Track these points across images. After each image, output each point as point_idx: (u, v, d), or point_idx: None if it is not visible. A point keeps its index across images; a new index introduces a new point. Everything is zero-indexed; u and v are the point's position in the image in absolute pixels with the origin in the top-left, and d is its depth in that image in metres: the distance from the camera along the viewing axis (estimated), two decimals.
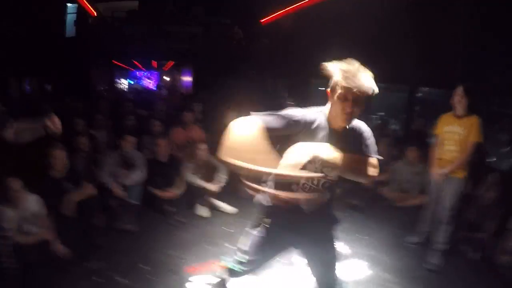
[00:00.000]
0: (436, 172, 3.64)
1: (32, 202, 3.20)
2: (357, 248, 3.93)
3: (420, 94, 9.87)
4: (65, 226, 3.44)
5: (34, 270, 2.99)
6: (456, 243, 3.98)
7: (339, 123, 1.82)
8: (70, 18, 12.59)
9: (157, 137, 4.93)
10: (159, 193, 4.39)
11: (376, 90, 1.73)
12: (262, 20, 12.07)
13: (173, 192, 4.45)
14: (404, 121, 8.55)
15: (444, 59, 5.87)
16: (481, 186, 4.29)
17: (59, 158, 3.60)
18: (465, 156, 3.46)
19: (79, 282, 3.06)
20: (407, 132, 7.62)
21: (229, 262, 2.28)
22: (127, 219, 4.06)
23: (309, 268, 2.17)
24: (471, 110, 3.47)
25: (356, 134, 1.94)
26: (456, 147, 3.51)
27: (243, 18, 12.50)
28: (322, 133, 1.81)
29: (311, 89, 10.53)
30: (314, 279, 2.16)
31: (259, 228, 2.10)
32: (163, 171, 4.55)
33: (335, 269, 2.13)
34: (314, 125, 1.81)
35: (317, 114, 1.85)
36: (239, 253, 2.19)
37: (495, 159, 7.33)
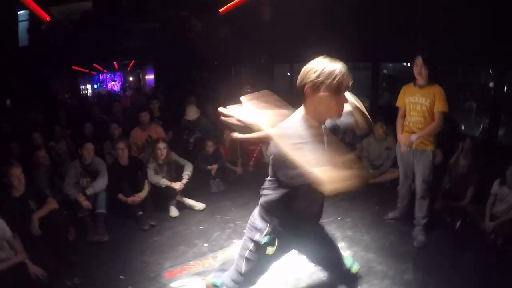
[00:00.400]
0: (402, 140, 3.59)
1: None
2: (332, 229, 3.83)
3: (385, 71, 10.03)
4: (35, 246, 3.29)
5: None
6: (438, 213, 4.04)
7: (325, 118, 1.79)
8: (22, 26, 11.98)
9: (117, 140, 4.77)
10: (124, 198, 4.23)
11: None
12: (220, 10, 11.85)
13: (139, 196, 4.31)
14: (370, 98, 8.63)
15: (405, 33, 5.89)
16: (454, 155, 4.36)
17: (15, 175, 3.37)
18: (433, 126, 3.40)
19: None
20: (374, 109, 7.69)
21: (216, 280, 2.24)
22: (97, 230, 3.91)
23: (317, 262, 2.29)
24: (432, 79, 3.40)
25: (333, 128, 1.94)
26: (421, 117, 3.45)
27: (200, 9, 12.22)
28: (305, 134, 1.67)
29: (275, 75, 10.50)
30: (325, 269, 2.31)
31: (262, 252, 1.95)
32: (126, 175, 4.41)
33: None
34: (300, 132, 1.65)
35: (297, 122, 1.72)
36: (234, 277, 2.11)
37: (464, 128, 7.59)
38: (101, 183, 4.18)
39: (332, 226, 3.95)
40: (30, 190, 3.55)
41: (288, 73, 10.44)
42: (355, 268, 2.36)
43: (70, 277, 3.21)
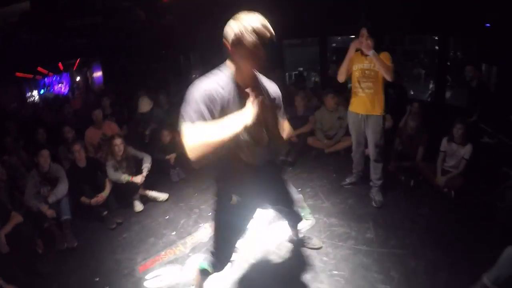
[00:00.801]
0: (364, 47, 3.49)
1: None
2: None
3: (334, 44, 10.28)
4: (4, 263, 3.25)
5: None
6: (391, 173, 4.31)
7: (250, 77, 1.84)
8: None
9: (72, 143, 4.67)
10: (88, 201, 4.20)
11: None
12: None
13: (102, 196, 4.28)
14: (320, 71, 8.89)
15: (350, 7, 6.06)
16: (403, 118, 4.66)
17: None
18: (388, 66, 3.40)
19: None
20: (324, 81, 7.92)
21: (203, 264, 2.29)
22: (65, 238, 3.86)
23: (275, 207, 2.61)
24: (378, 48, 3.46)
25: (265, 87, 1.98)
26: (370, 82, 3.56)
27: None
28: (234, 94, 1.79)
29: (225, 58, 10.50)
30: (282, 212, 2.68)
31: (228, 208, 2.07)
32: (86, 177, 4.37)
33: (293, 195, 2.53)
34: (216, 89, 1.75)
35: (220, 78, 1.79)
36: (212, 254, 2.23)
37: (413, 93, 8.00)
38: (62, 189, 4.11)
39: None
40: None
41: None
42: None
43: None
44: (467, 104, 5.11)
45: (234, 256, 2.37)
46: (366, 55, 3.49)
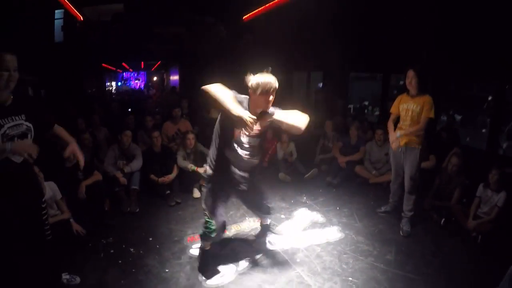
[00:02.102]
0: (391, 138, 4.06)
1: (49, 188, 3.67)
2: (330, 217, 4.47)
3: (401, 82, 10.47)
4: (79, 209, 4.02)
5: (57, 246, 3.33)
6: (426, 210, 4.51)
7: (259, 109, 2.72)
8: (57, 23, 12.89)
9: (151, 131, 5.51)
10: (156, 179, 4.97)
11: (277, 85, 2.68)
12: (244, 17, 12.43)
13: (169, 177, 5.04)
14: (380, 105, 9.10)
15: (415, 46, 6.31)
16: (446, 159, 4.81)
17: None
18: (418, 128, 3.86)
19: (98, 254, 3.58)
20: (384, 116, 8.16)
21: (200, 231, 3.17)
22: (130, 203, 4.64)
23: (245, 204, 3.49)
24: (422, 90, 3.88)
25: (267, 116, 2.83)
26: (410, 122, 3.93)
27: (225, 16, 12.81)
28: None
29: (293, 82, 11.07)
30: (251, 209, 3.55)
31: (209, 185, 3.04)
32: (159, 160, 5.15)
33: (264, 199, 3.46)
34: (243, 105, 2.68)
35: (245, 99, 2.75)
36: (205, 215, 3.07)
37: (468, 139, 7.96)
38: (137, 164, 4.95)
39: (330, 214, 4.56)
40: (78, 164, 4.28)
41: (306, 82, 10.97)
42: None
43: (105, 237, 3.89)
44: None
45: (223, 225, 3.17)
46: (412, 96, 3.90)
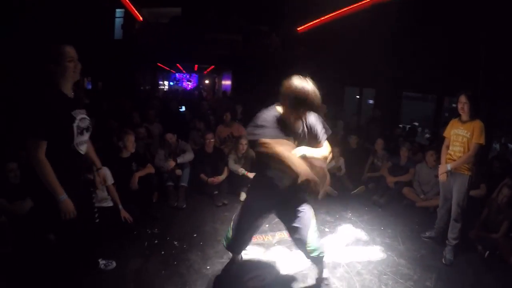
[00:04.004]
0: (441, 169, 4.01)
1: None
2: (373, 236, 4.41)
3: (454, 105, 10.11)
4: (129, 198, 4.23)
5: (103, 229, 3.51)
6: (471, 240, 4.31)
7: (294, 119, 2.51)
8: (118, 22, 13.69)
9: (205, 132, 5.73)
10: (206, 179, 5.16)
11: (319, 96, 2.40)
12: (299, 28, 12.52)
13: (218, 178, 5.23)
14: (432, 128, 8.88)
15: (470, 67, 6.16)
16: (496, 189, 4.62)
17: (130, 141, 4.43)
18: (468, 155, 3.78)
19: (142, 242, 3.78)
20: (433, 139, 7.97)
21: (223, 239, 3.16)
22: (178, 198, 4.85)
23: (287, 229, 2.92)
24: (474, 115, 3.81)
25: (308, 124, 2.62)
26: (461, 147, 3.85)
27: (281, 26, 12.97)
28: (281, 126, 2.50)
29: (345, 95, 11.00)
30: (293, 238, 2.88)
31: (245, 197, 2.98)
32: (210, 161, 5.34)
33: (308, 231, 2.79)
34: (277, 123, 2.51)
35: (275, 114, 2.54)
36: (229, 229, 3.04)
37: None
38: (189, 156, 5.18)
39: (374, 233, 4.50)
40: (134, 154, 4.57)
41: (358, 96, 10.85)
42: (315, 253, 2.85)
43: (151, 227, 4.09)
44: None
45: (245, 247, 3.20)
46: (463, 121, 3.84)
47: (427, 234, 4.49)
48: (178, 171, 5.01)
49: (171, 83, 27.44)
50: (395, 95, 9.04)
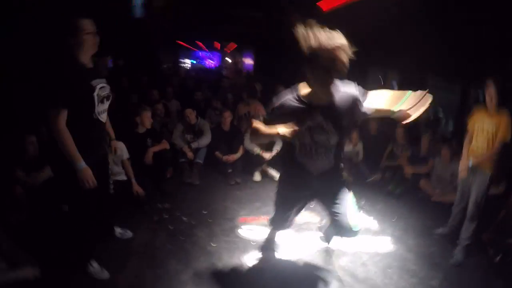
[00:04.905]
0: (462, 164, 3.78)
1: (117, 147, 3.85)
2: (384, 227, 4.32)
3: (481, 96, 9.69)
4: (143, 173, 4.29)
5: (115, 201, 3.63)
6: (483, 242, 4.09)
7: (324, 93, 2.06)
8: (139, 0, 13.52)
9: (222, 110, 5.72)
10: (221, 156, 5.18)
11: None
12: (322, 6, 12.15)
13: (233, 156, 5.21)
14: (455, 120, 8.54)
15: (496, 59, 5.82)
16: None
17: (146, 116, 4.47)
18: (493, 152, 3.51)
19: (152, 216, 3.84)
20: (456, 130, 7.66)
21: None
22: (192, 175, 4.89)
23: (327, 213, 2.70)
24: (502, 105, 3.47)
25: (344, 98, 2.18)
26: (484, 143, 3.57)
27: (304, 4, 12.59)
28: (301, 109, 2.14)
29: (368, 79, 10.71)
30: (333, 221, 2.67)
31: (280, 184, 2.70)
32: (226, 139, 5.34)
33: (347, 214, 2.54)
34: (291, 104, 2.15)
35: (292, 95, 2.18)
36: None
37: None
38: (205, 140, 5.17)
39: (385, 224, 4.42)
40: (150, 130, 4.61)
41: (381, 79, 10.56)
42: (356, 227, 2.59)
43: (162, 202, 4.15)
44: None
45: (290, 225, 2.99)
46: (491, 114, 3.52)
47: (440, 231, 4.33)
48: (190, 154, 5.01)
49: (194, 61, 27.38)
50: (419, 81, 8.72)
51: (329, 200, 2.56)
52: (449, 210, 4.36)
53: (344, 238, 2.96)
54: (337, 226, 2.63)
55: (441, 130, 8.16)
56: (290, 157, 2.39)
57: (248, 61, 18.86)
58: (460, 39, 6.63)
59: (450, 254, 3.88)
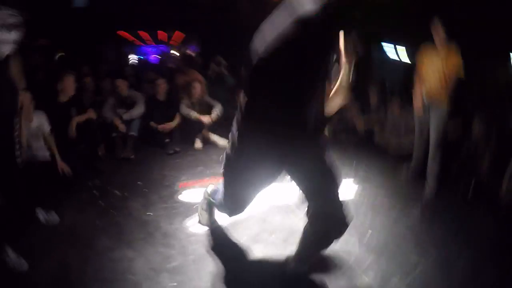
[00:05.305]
0: (416, 103, 3.62)
1: (37, 118, 3.28)
2: (344, 171, 3.71)
3: None
4: (68, 147, 3.65)
5: (39, 184, 3.06)
6: (452, 178, 3.94)
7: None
8: None
9: (155, 79, 5.15)
10: (155, 125, 4.63)
11: None
12: None
13: (170, 125, 4.70)
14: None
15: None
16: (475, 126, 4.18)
17: (69, 82, 3.85)
18: (446, 88, 3.35)
19: (80, 194, 3.25)
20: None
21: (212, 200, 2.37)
22: (125, 149, 4.30)
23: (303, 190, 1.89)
24: (450, 40, 3.30)
25: None
26: (437, 80, 3.39)
27: None
28: None
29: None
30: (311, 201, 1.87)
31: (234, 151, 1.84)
32: (161, 108, 4.79)
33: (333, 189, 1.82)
34: None
35: None
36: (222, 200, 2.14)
37: None
38: (138, 110, 4.57)
39: (346, 168, 4.03)
40: (74, 98, 3.98)
41: None
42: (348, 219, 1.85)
43: (91, 179, 3.55)
44: None
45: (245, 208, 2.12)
46: (439, 49, 3.38)
47: (405, 166, 4.03)
48: (122, 126, 4.40)
49: (141, 57, 26.38)
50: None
51: (308, 170, 1.81)
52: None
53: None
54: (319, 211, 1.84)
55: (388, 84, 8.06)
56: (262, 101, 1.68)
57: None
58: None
59: (422, 186, 3.63)
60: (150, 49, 26.45)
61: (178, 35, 19.46)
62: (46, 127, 3.36)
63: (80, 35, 10.86)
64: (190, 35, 18.05)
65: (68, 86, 3.87)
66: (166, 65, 15.42)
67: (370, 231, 2.74)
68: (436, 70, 3.41)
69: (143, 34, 19.70)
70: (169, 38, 21.11)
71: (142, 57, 25.84)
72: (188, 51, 20.55)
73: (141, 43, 23.97)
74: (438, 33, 3.30)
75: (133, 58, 24.28)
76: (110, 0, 12.64)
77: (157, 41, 23.45)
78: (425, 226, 2.93)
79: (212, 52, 12.07)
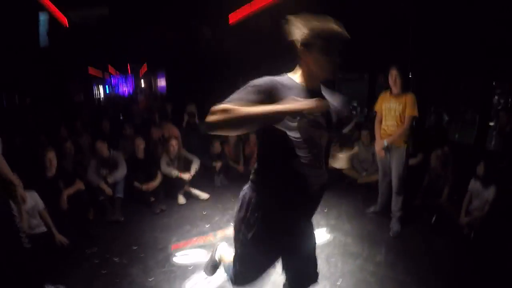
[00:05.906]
0: (377, 145, 4.03)
1: (31, 198, 3.52)
2: (317, 220, 4.29)
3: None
4: (61, 219, 3.91)
5: (39, 257, 3.19)
6: (416, 208, 4.46)
7: (320, 79, 1.70)
8: (43, 29, 12.52)
9: (133, 138, 5.43)
10: (140, 186, 4.89)
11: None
12: (230, 20, 12.19)
13: (152, 184, 4.96)
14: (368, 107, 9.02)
15: (399, 43, 6.26)
16: (433, 157, 4.68)
17: (51, 159, 4.10)
18: (403, 129, 3.80)
19: (81, 264, 3.47)
20: (370, 117, 8.10)
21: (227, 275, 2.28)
22: (114, 212, 4.53)
23: (288, 261, 2.00)
24: (405, 88, 3.84)
25: (335, 95, 1.85)
26: (394, 122, 3.86)
27: (210, 18, 12.57)
28: (293, 93, 1.55)
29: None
30: (291, 272, 2.01)
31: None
32: (142, 167, 5.06)
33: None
34: (282, 85, 1.59)
35: (283, 77, 1.68)
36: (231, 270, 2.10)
37: (457, 136, 7.91)
38: (121, 173, 4.80)
39: (318, 216, 4.38)
40: (60, 172, 4.24)
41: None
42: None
43: (89, 247, 3.78)
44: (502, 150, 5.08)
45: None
46: (395, 95, 3.86)
47: (372, 209, 4.56)
48: (109, 191, 4.64)
49: (107, 90, 26.15)
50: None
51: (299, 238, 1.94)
52: (376, 189, 4.56)
53: None
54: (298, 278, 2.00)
55: (357, 117, 8.59)
56: (273, 170, 1.69)
57: (163, 83, 18.45)
58: (361, 33, 6.99)
59: (387, 228, 4.07)
60: (117, 80, 26.44)
61: (143, 67, 19.72)
62: (41, 205, 3.63)
63: (47, 74, 10.82)
64: (156, 67, 18.32)
65: (52, 161, 4.14)
66: (136, 98, 15.63)
67: (340, 280, 3.14)
68: (392, 112, 3.87)
69: (111, 69, 19.84)
70: (135, 69, 21.32)
71: (108, 90, 25.77)
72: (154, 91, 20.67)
73: (109, 76, 23.99)
74: (395, 80, 3.80)
75: (100, 93, 24.12)
76: (79, 38, 12.80)
77: (126, 73, 23.55)
78: (387, 271, 3.31)
79: (178, 84, 12.33)
